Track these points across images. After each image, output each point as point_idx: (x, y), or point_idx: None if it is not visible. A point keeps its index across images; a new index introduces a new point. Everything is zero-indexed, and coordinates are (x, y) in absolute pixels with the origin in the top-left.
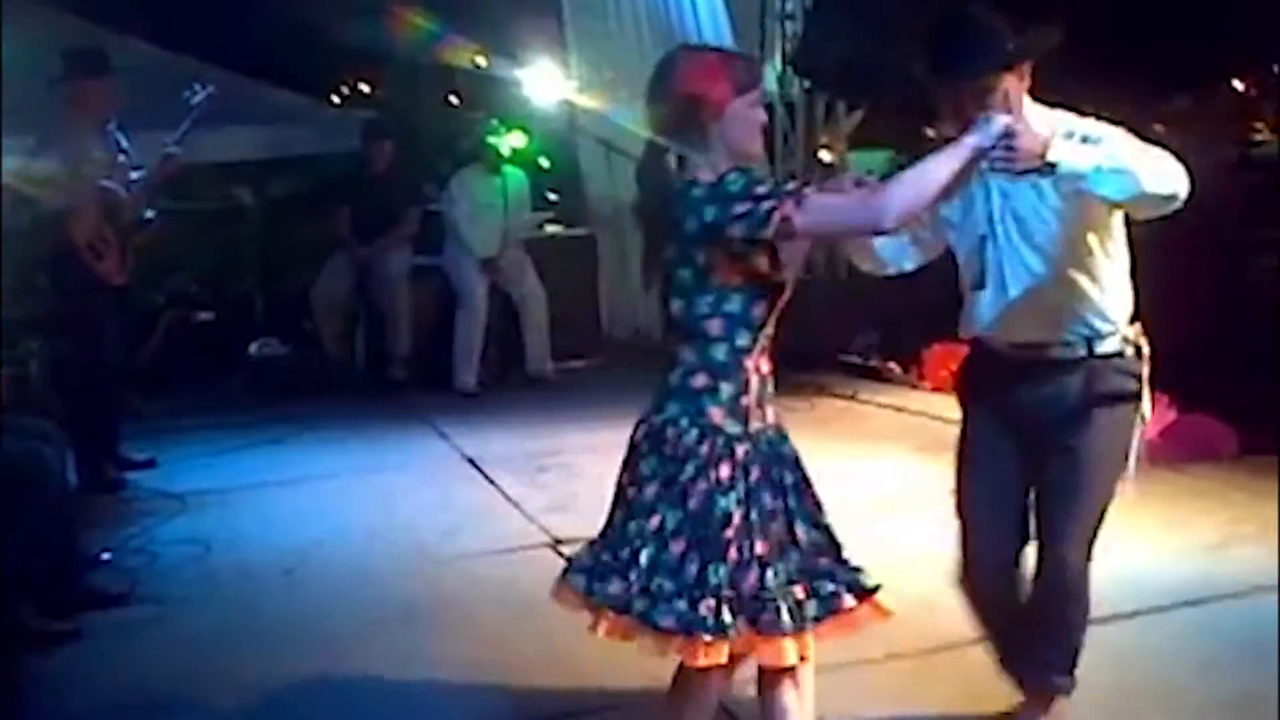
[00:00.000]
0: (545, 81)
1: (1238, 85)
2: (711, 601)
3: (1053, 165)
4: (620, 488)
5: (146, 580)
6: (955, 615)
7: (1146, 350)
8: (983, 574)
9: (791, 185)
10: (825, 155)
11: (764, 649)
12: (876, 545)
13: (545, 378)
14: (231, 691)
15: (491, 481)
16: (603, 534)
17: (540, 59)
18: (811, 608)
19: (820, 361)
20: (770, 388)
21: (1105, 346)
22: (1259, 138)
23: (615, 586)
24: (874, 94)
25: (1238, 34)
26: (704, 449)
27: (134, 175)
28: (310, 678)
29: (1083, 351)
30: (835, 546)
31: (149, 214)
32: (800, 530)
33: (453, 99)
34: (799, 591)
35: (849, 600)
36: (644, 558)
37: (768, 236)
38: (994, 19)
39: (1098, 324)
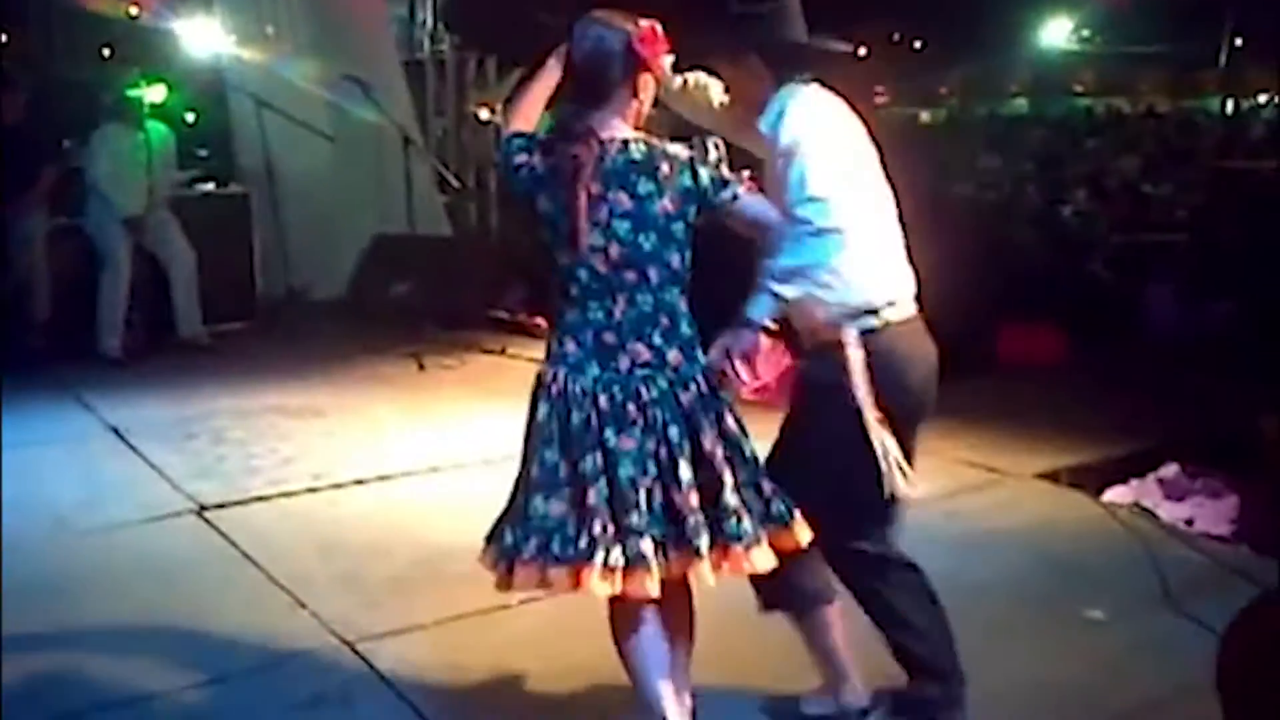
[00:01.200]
0: (202, 34)
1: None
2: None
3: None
4: (641, 448)
5: None
6: None
7: (853, 337)
8: None
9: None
10: (483, 113)
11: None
12: None
13: (197, 342)
14: None
15: (135, 450)
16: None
17: (197, 12)
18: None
19: (470, 318)
20: None
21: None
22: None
23: (697, 531)
24: (522, 52)
25: None
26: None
27: None
28: None
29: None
30: None
31: None
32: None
33: (105, 50)
34: None
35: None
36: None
37: (733, 201)
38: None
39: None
